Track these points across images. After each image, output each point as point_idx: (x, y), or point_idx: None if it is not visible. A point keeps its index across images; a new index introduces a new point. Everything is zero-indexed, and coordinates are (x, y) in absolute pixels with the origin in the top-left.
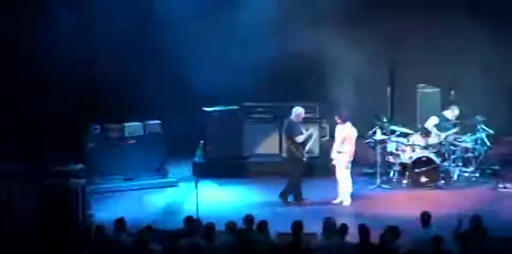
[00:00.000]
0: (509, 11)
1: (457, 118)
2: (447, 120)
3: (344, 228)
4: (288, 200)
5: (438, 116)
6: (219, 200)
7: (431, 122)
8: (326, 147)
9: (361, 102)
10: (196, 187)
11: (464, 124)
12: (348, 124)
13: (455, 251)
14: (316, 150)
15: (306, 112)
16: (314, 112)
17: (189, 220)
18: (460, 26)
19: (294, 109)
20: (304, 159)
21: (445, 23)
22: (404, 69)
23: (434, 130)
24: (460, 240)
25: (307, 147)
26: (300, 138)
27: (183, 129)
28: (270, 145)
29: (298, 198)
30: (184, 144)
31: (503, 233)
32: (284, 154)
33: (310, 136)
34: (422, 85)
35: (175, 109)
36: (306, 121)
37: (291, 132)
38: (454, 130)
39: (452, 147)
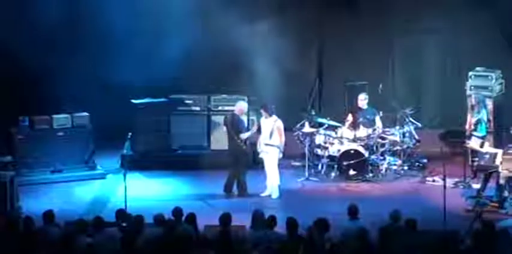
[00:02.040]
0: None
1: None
2: (360, 109)
3: (272, 220)
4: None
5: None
6: (147, 192)
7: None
8: (254, 140)
9: (289, 94)
10: (124, 179)
11: (393, 117)
12: (274, 117)
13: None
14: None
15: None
16: None
17: (120, 213)
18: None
19: (237, 104)
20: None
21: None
22: (333, 62)
23: (346, 125)
24: (383, 233)
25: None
26: (244, 135)
27: (111, 122)
28: (198, 137)
29: (242, 191)
30: (112, 137)
31: (431, 226)
32: (228, 147)
33: (253, 133)
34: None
35: (103, 101)
36: None
37: (237, 127)
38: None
39: (380, 140)
